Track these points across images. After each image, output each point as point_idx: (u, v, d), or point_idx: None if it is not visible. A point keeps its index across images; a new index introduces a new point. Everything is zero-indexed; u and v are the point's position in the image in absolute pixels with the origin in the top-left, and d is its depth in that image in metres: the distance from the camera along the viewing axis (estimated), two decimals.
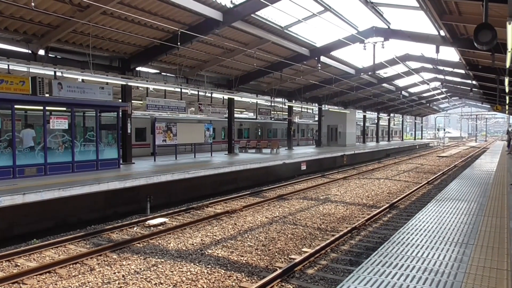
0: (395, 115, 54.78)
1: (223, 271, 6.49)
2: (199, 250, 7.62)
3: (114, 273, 6.42)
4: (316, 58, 18.61)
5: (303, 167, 20.15)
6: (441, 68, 23.00)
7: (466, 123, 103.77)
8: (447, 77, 26.71)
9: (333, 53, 19.67)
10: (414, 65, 24.83)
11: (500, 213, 7.34)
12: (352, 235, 8.79)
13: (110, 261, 7.04)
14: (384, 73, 26.64)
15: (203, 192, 13.72)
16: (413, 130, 73.04)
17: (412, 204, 12.39)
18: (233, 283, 6.02)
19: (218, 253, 7.43)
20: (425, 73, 27.19)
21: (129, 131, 15.59)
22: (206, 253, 7.47)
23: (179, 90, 18.75)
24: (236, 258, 7.17)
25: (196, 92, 20.36)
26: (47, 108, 12.00)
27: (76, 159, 12.60)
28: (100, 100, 13.63)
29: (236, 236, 8.62)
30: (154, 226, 9.60)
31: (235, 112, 24.36)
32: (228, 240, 8.31)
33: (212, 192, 14.09)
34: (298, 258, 6.82)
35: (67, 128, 12.43)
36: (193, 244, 8.02)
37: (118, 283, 5.97)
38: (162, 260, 7.05)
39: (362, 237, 8.72)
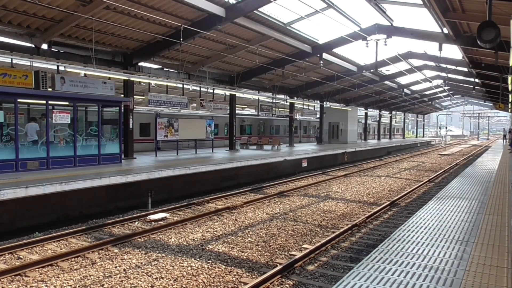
0: (397, 112, 54.70)
1: (224, 267, 6.52)
2: (199, 246, 7.66)
3: (115, 267, 6.47)
4: (318, 55, 18.58)
5: (304, 164, 20.17)
6: (443, 66, 22.94)
7: (468, 121, 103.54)
8: (450, 75, 26.64)
9: (336, 50, 19.64)
10: (417, 62, 24.78)
11: (501, 211, 7.35)
12: (352, 232, 8.81)
13: (112, 255, 7.08)
14: (386, 70, 26.58)
15: (204, 188, 13.75)
16: (415, 128, 72.89)
17: (413, 202, 12.41)
18: (234, 279, 6.05)
19: (218, 249, 7.47)
20: (428, 71, 27.11)
21: (130, 126, 15.61)
22: (207, 248, 7.51)
23: (181, 86, 18.75)
24: (236, 254, 7.20)
25: (198, 88, 20.36)
26: (49, 102, 12.03)
27: (78, 153, 12.63)
28: (102, 95, 13.65)
29: (237, 232, 8.66)
30: (155, 221, 9.64)
31: (237, 108, 24.35)
32: (229, 236, 8.35)
33: (213, 188, 14.12)
34: (299, 255, 6.84)
35: (69, 122, 12.46)
36: (194, 239, 8.06)
37: (119, 277, 6.01)
38: (163, 254, 7.09)
39: (362, 234, 8.74)
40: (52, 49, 13.05)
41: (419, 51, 22.02)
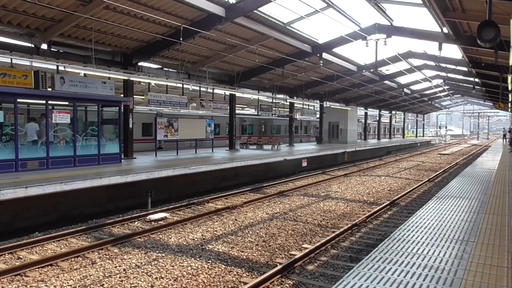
0: (397, 112, 54.69)
1: (224, 266, 6.52)
2: (199, 245, 7.66)
3: (115, 266, 6.47)
4: (318, 55, 18.58)
5: (304, 164, 20.17)
6: (443, 65, 22.93)
7: (468, 121, 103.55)
8: (450, 75, 26.65)
9: (335, 50, 19.64)
10: (417, 62, 24.78)
11: (501, 211, 7.35)
12: (352, 232, 8.81)
13: (111, 255, 7.08)
14: (386, 70, 26.58)
15: (204, 188, 13.75)
16: (415, 127, 72.87)
17: (413, 202, 12.40)
18: (234, 278, 6.05)
19: (218, 248, 7.47)
20: (428, 71, 27.11)
21: (130, 126, 15.61)
22: (207, 248, 7.50)
23: (181, 85, 18.74)
24: (236, 254, 7.20)
25: (198, 88, 20.35)
26: (49, 102, 12.02)
27: (78, 153, 12.63)
28: (102, 95, 13.64)
29: (237, 232, 8.66)
30: (155, 221, 9.63)
31: (238, 108, 24.32)
32: (229, 236, 8.35)
33: (213, 187, 14.12)
34: (298, 254, 6.84)
35: (69, 122, 12.46)
36: (193, 239, 8.06)
37: (119, 277, 6.01)
38: (163, 254, 7.08)
39: (362, 233, 8.74)
40: (52, 49, 13.04)
41: (419, 50, 22.03)
